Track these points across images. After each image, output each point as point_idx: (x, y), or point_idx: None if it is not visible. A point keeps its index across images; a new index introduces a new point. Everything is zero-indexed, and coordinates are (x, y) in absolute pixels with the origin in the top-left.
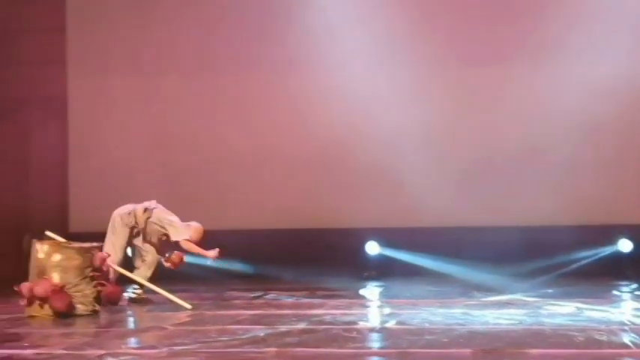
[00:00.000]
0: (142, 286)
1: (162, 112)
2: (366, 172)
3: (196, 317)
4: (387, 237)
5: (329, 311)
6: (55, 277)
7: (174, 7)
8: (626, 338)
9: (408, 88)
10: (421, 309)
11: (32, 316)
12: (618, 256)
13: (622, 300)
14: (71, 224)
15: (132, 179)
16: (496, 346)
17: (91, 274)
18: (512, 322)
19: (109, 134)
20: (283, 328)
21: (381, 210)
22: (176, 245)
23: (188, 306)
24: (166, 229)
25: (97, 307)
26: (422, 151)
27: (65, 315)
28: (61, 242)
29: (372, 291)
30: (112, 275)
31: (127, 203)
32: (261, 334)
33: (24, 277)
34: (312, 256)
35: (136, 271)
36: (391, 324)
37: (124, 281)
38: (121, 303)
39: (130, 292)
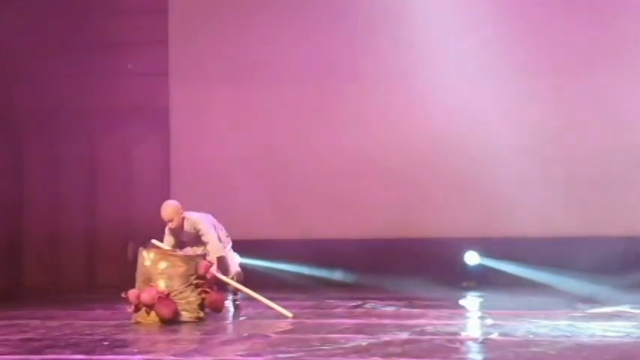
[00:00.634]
0: (235, 292)
1: (263, 123)
2: (467, 182)
3: (298, 325)
4: (487, 247)
5: (430, 321)
6: (161, 285)
7: (275, 20)
8: None
9: (507, 98)
10: (524, 320)
11: (138, 322)
12: None
13: None
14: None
15: (232, 189)
16: (605, 359)
17: (196, 281)
18: (621, 334)
19: (209, 145)
20: (386, 337)
21: (481, 220)
22: None
23: (289, 314)
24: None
25: (202, 314)
26: (523, 161)
27: (170, 321)
28: (166, 250)
29: (472, 301)
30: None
31: (227, 213)
32: (364, 344)
33: (128, 284)
34: (411, 266)
35: None
36: (495, 335)
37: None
38: (224, 310)
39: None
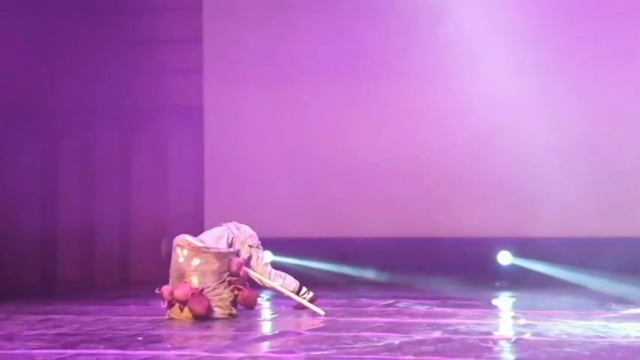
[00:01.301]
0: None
1: (297, 121)
2: (500, 181)
3: (330, 323)
4: (520, 247)
5: (463, 321)
6: (194, 281)
7: (309, 17)
8: None
9: (540, 98)
10: (558, 320)
11: (172, 319)
12: None
13: None
14: (207, 229)
15: (265, 187)
16: None
17: (229, 278)
18: None
19: (243, 142)
20: (418, 336)
21: (514, 219)
22: None
23: (322, 312)
24: None
25: (234, 311)
26: (556, 161)
27: (204, 318)
28: (200, 247)
29: (504, 301)
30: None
31: (260, 210)
32: (397, 342)
33: (161, 280)
34: (444, 265)
35: None
36: (528, 335)
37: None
38: (256, 307)
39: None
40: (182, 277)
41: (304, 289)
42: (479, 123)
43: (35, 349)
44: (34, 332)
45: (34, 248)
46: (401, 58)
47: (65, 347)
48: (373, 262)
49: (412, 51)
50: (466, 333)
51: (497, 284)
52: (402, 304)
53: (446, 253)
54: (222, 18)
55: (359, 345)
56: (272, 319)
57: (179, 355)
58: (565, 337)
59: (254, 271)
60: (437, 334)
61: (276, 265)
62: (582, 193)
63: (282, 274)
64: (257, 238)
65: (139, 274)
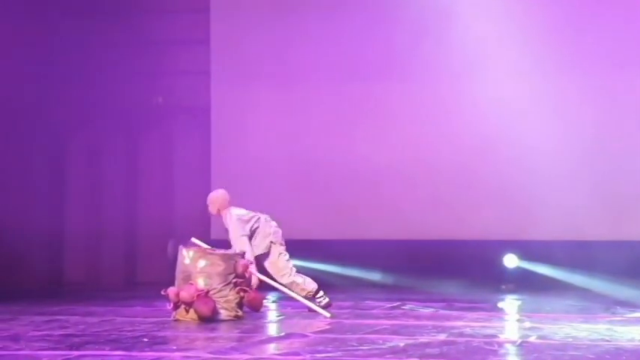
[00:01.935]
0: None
1: (304, 123)
2: (507, 184)
3: (336, 325)
4: (526, 250)
5: (468, 323)
6: (200, 283)
7: (317, 19)
8: None
9: (546, 101)
10: (563, 324)
11: (177, 320)
12: None
13: None
14: (213, 231)
15: (272, 188)
16: None
17: (234, 280)
18: None
19: (250, 144)
20: (423, 339)
21: (520, 222)
22: None
23: (327, 314)
24: None
25: (240, 313)
26: (563, 165)
27: (209, 319)
28: (205, 249)
29: (510, 304)
30: (253, 282)
31: (266, 212)
32: (402, 345)
33: (168, 281)
34: (450, 268)
35: None
36: (533, 338)
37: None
38: (262, 309)
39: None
40: (188, 278)
41: (321, 292)
42: (485, 126)
43: (41, 349)
44: (39, 333)
45: (41, 249)
46: (408, 62)
47: (71, 348)
48: (379, 265)
49: (419, 54)
50: (471, 336)
51: (503, 287)
52: (408, 306)
53: (452, 256)
54: (230, 20)
55: (364, 347)
56: (278, 321)
57: (184, 357)
58: (570, 340)
59: (275, 267)
60: (442, 336)
61: None
62: (588, 197)
63: (302, 276)
64: (281, 236)
65: (145, 275)
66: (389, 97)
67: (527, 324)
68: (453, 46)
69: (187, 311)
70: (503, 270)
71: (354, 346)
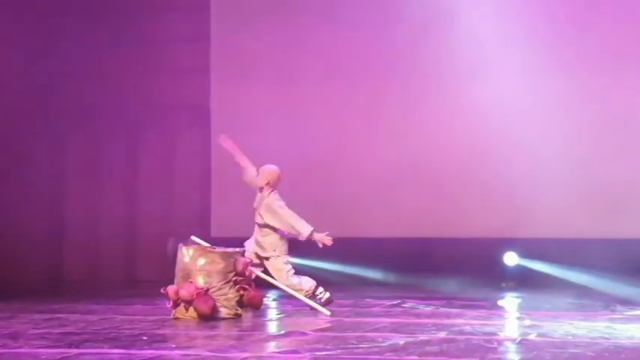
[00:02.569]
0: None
1: (303, 122)
2: (507, 182)
3: (336, 323)
4: (526, 248)
5: (468, 321)
6: (200, 281)
7: (317, 18)
8: None
9: (544, 102)
10: (563, 321)
11: (177, 318)
12: None
13: None
14: (213, 229)
15: None
16: None
17: (234, 278)
18: None
19: (249, 142)
20: (423, 336)
21: (520, 220)
22: None
23: (327, 312)
24: None
25: (240, 311)
26: (563, 163)
27: (209, 318)
28: (205, 247)
29: (510, 302)
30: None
31: None
32: (401, 342)
33: (167, 279)
34: (450, 266)
35: None
36: (533, 336)
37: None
38: (262, 307)
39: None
40: (187, 276)
41: (320, 289)
42: (485, 126)
43: (40, 347)
44: (39, 331)
45: (41, 247)
46: (408, 62)
47: (70, 346)
48: (379, 263)
49: (419, 54)
50: (471, 333)
51: (504, 285)
52: (408, 304)
53: (452, 254)
54: (230, 17)
55: (364, 345)
56: (277, 319)
57: (184, 355)
58: (570, 338)
59: (272, 267)
60: (442, 334)
61: None
62: (589, 196)
63: (298, 276)
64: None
65: (144, 273)
66: (390, 96)
67: (527, 322)
68: (455, 46)
69: (187, 309)
70: (504, 268)
71: (353, 344)
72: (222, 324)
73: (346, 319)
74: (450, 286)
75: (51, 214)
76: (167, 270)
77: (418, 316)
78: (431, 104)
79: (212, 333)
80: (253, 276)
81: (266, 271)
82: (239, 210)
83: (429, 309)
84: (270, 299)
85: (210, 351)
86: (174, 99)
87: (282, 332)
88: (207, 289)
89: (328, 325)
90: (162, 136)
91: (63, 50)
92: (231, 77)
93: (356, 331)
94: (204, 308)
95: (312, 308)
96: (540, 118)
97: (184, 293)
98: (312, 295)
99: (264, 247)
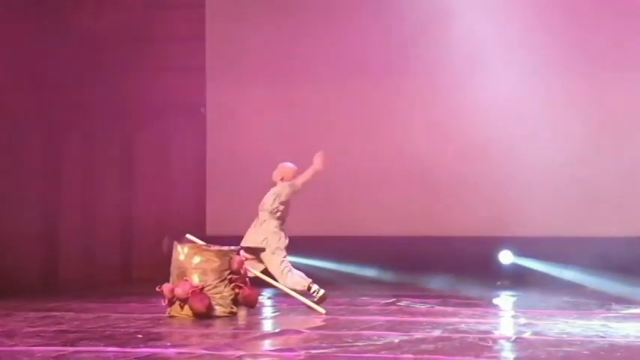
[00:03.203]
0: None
1: (299, 120)
2: (502, 181)
3: (331, 322)
4: (521, 246)
5: (463, 320)
6: (195, 279)
7: (313, 17)
8: None
9: (548, 101)
10: (558, 320)
11: (172, 316)
12: None
13: None
14: (208, 228)
15: (268, 186)
16: None
17: (229, 276)
18: None
19: (245, 141)
20: (418, 335)
21: (515, 219)
22: None
23: (322, 310)
24: None
25: (235, 309)
26: (557, 162)
27: (204, 316)
28: (200, 245)
29: (505, 300)
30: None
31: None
32: (396, 341)
33: (162, 277)
34: (445, 264)
35: None
36: (527, 334)
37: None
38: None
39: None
40: (183, 274)
41: (315, 286)
42: (482, 126)
43: (35, 345)
44: (34, 329)
45: (36, 245)
46: (407, 60)
47: (65, 344)
48: (374, 261)
49: (419, 52)
50: (466, 332)
51: (499, 283)
52: (403, 302)
53: (447, 252)
54: (225, 16)
55: (359, 343)
56: (273, 318)
57: (179, 353)
58: (565, 336)
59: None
60: (437, 332)
61: None
62: (584, 195)
63: (292, 275)
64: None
65: (140, 271)
66: (388, 95)
67: (522, 320)
68: (453, 46)
69: (182, 307)
70: (499, 266)
71: (349, 342)
72: (217, 322)
73: (341, 318)
74: (446, 284)
75: (46, 212)
76: (162, 268)
77: (413, 314)
78: (426, 104)
79: (207, 331)
80: (249, 274)
81: (266, 271)
82: (234, 208)
83: (424, 307)
84: (265, 297)
85: (206, 349)
86: (169, 98)
87: (277, 330)
88: (203, 288)
89: (323, 323)
90: (157, 135)
91: (56, 49)
92: (226, 76)
93: (351, 329)
94: (200, 306)
95: (307, 307)
96: (535, 118)
97: (180, 291)
98: (307, 292)
99: (267, 242)
